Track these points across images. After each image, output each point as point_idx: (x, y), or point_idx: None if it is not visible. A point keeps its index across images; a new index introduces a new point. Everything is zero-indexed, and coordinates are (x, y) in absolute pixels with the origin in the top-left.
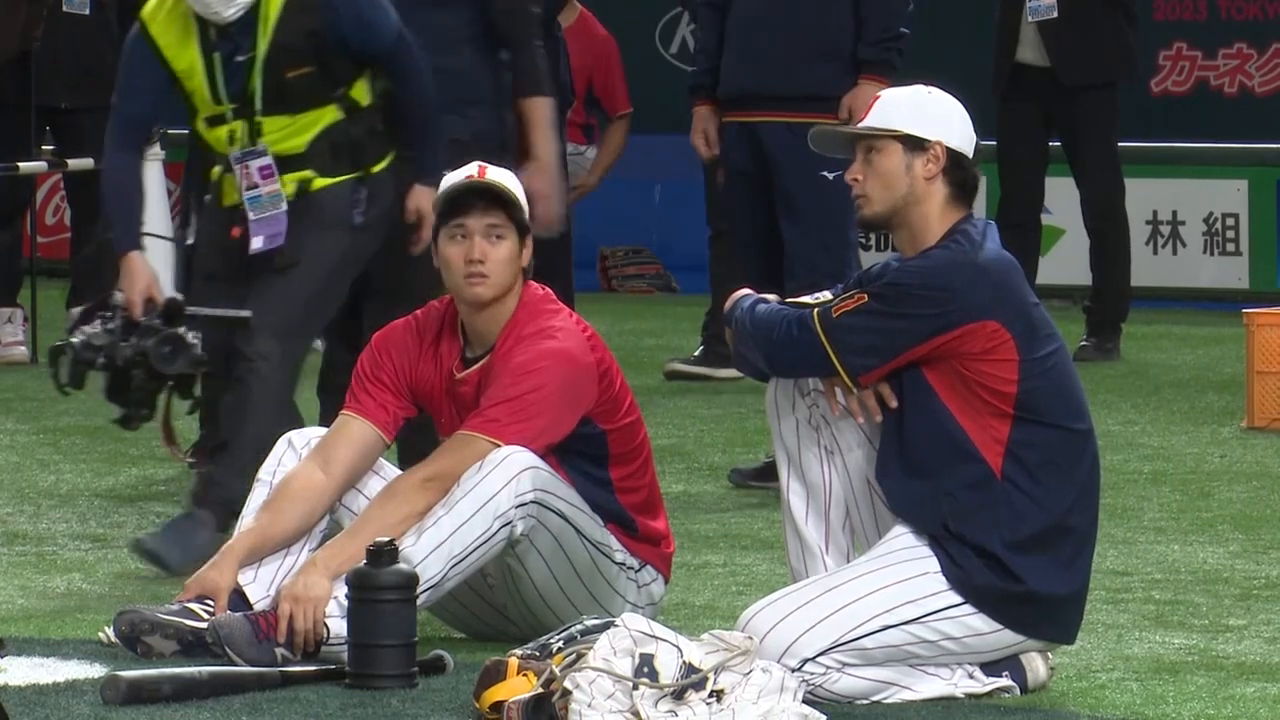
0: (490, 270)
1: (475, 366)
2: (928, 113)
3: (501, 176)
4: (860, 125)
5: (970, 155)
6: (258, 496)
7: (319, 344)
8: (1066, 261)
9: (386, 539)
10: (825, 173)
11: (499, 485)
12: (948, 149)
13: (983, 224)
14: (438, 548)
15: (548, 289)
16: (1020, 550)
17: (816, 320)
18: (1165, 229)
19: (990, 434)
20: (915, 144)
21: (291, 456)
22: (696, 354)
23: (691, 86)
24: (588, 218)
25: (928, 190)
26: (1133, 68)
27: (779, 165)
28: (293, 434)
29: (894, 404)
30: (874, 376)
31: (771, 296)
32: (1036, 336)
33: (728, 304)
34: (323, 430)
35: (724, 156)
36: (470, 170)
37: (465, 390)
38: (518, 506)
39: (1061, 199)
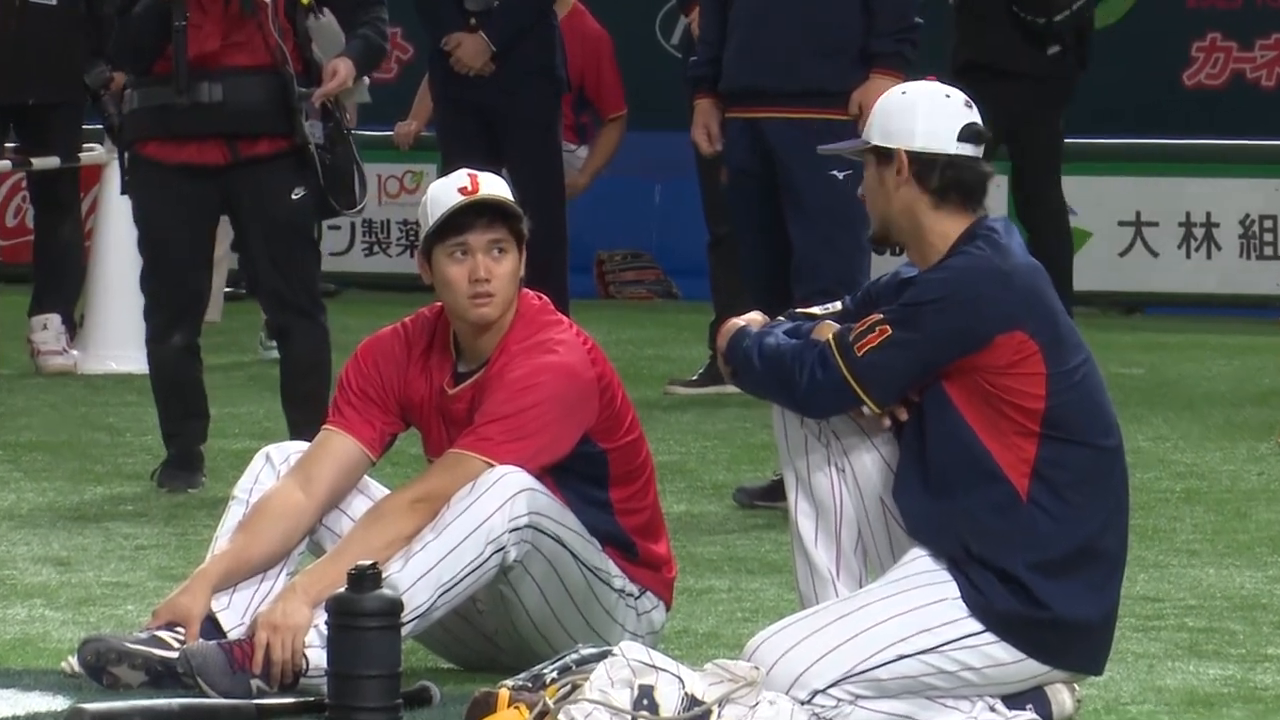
0: (496, 288)
1: (468, 382)
2: (890, 117)
3: (495, 186)
4: (842, 144)
5: (950, 152)
6: (233, 516)
7: (275, 353)
8: (1096, 265)
9: (370, 562)
10: (835, 172)
11: (492, 508)
12: (910, 153)
13: (1002, 224)
14: (426, 574)
15: (544, 298)
16: (1046, 574)
17: (838, 356)
18: (1199, 231)
19: (1016, 454)
20: (882, 155)
21: (269, 473)
22: (699, 372)
23: (692, 78)
24: (583, 220)
25: (906, 202)
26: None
27: (784, 163)
28: (271, 449)
29: (903, 416)
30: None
31: (759, 318)
32: (1065, 347)
33: (724, 338)
34: (303, 445)
35: (726, 154)
36: (460, 181)
37: (458, 407)
38: (511, 531)
39: (1088, 198)
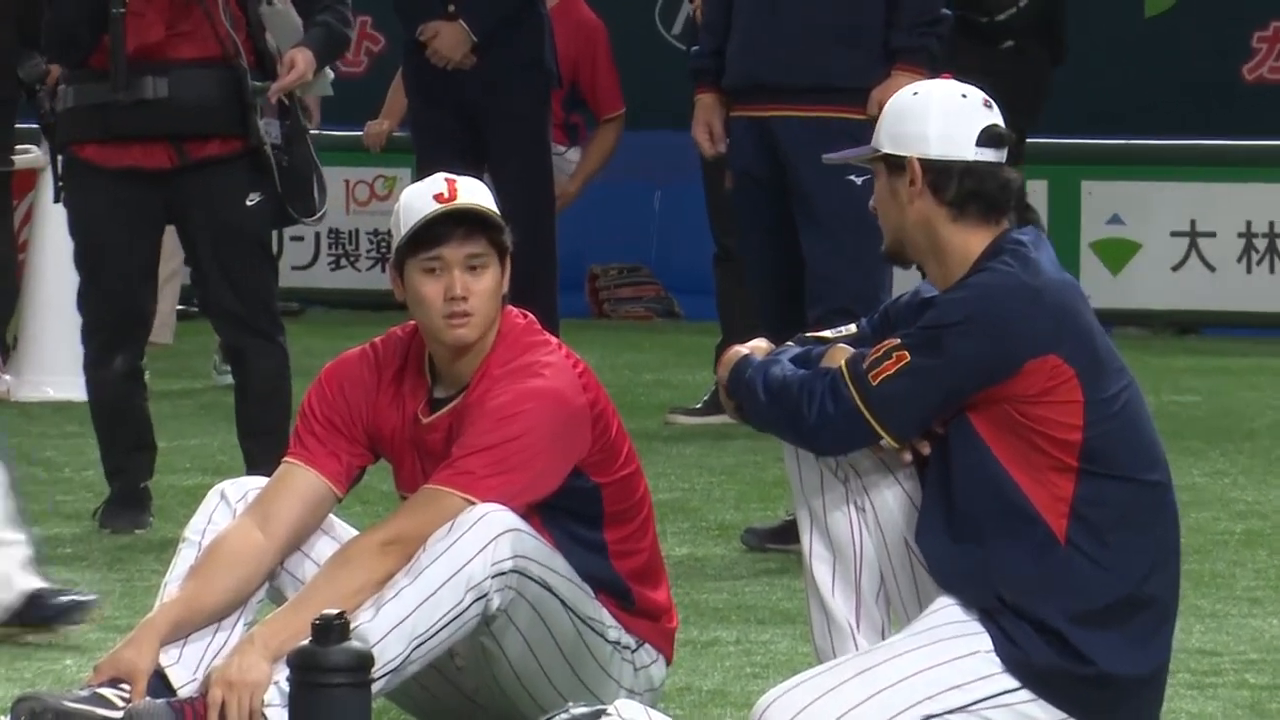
0: (475, 307)
1: (445, 410)
2: (900, 121)
3: (474, 193)
4: (844, 152)
5: (968, 159)
6: (183, 560)
7: (230, 378)
8: (1145, 281)
9: (336, 611)
10: (853, 177)
11: (472, 551)
12: (924, 161)
13: (1031, 236)
14: (399, 624)
15: (530, 316)
16: (1088, 625)
17: (851, 387)
18: (1261, 242)
19: (1052, 491)
20: (893, 164)
21: (224, 511)
22: (704, 400)
23: (693, 70)
24: (574, 230)
25: (922, 215)
26: None
27: (795, 167)
28: (226, 485)
29: (925, 450)
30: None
31: (764, 345)
32: (1104, 372)
33: (725, 369)
34: (261, 481)
35: (731, 156)
36: (436, 186)
37: (433, 438)
38: (495, 576)
39: (1136, 206)
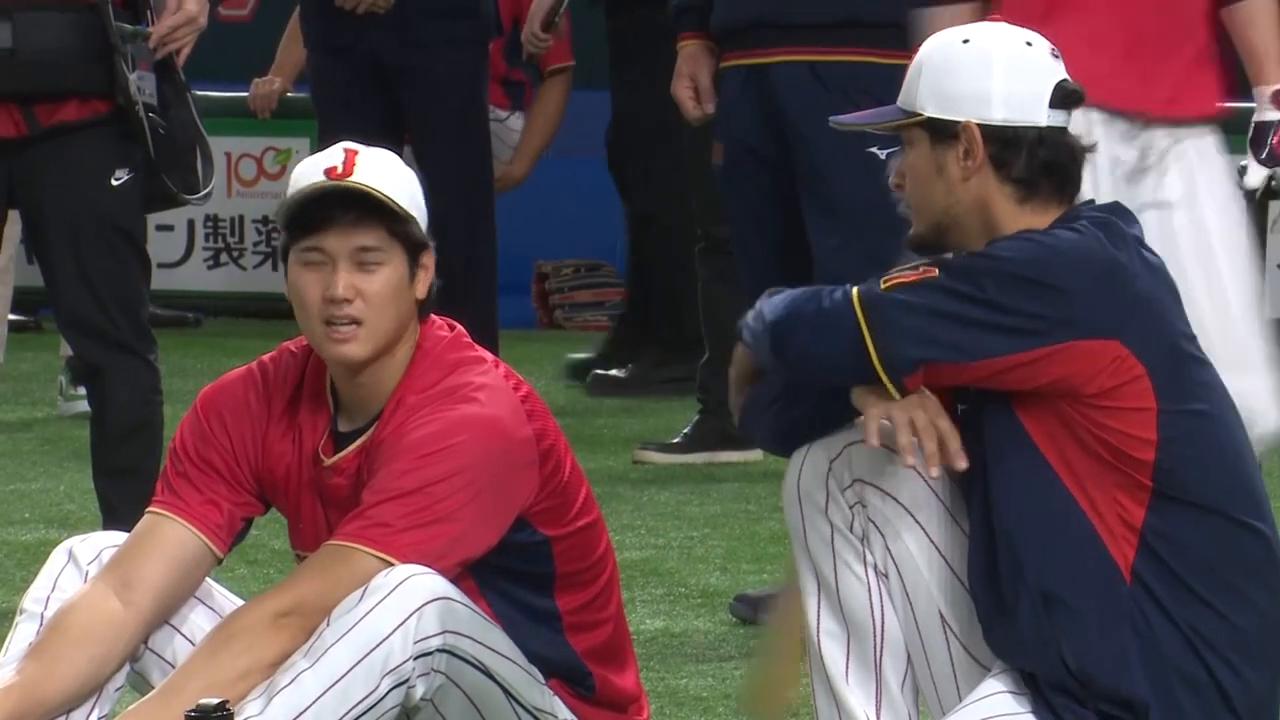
0: (364, 313)
1: (353, 446)
2: (951, 77)
3: (378, 169)
4: (862, 114)
5: (1042, 124)
6: (21, 635)
7: (83, 405)
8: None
9: (216, 701)
10: (876, 149)
11: (390, 625)
12: (987, 129)
13: (1114, 210)
14: (298, 717)
15: (458, 326)
16: (1161, 697)
17: (856, 292)
18: None
19: (1117, 514)
20: (940, 131)
21: (73, 575)
22: (684, 433)
23: (676, 9)
24: (517, 220)
25: (979, 195)
26: None
27: (802, 133)
28: (75, 542)
29: (963, 464)
30: (921, 380)
31: None
32: (1189, 382)
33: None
34: (120, 537)
35: (720, 120)
36: (332, 159)
37: (337, 482)
38: (418, 658)
39: None
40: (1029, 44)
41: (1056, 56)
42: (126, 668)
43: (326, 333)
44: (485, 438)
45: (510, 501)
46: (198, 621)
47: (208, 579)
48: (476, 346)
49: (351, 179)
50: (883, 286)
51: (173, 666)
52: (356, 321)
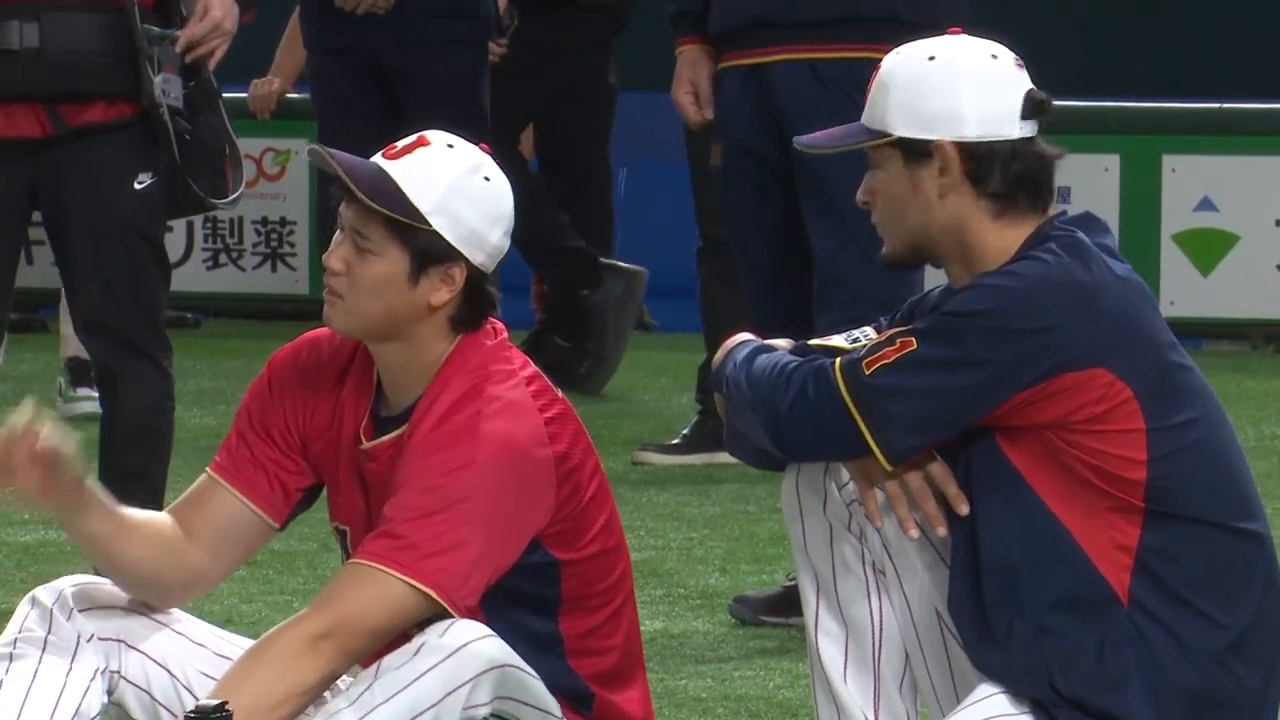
0: (346, 290)
1: (387, 438)
2: (921, 95)
3: (422, 166)
4: (827, 133)
5: (1014, 137)
6: None
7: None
8: (1243, 282)
9: (216, 702)
10: None
11: (442, 691)
12: (962, 146)
13: (1083, 221)
14: None
15: (502, 333)
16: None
17: (840, 376)
18: None
19: (1111, 537)
20: (912, 150)
21: (37, 621)
22: (684, 434)
23: (674, 14)
24: None
25: (956, 214)
26: None
27: (803, 134)
28: (39, 591)
29: (964, 510)
30: (921, 452)
31: (782, 342)
32: (1176, 394)
33: (718, 356)
34: (82, 578)
35: (719, 122)
36: (403, 141)
37: (372, 468)
38: None
39: (1231, 188)
40: (994, 56)
41: (1021, 66)
42: (121, 683)
43: (325, 294)
44: (500, 458)
45: (524, 525)
46: (170, 649)
47: (176, 609)
48: (512, 359)
49: (389, 167)
50: (866, 371)
51: (150, 696)
52: (336, 295)
